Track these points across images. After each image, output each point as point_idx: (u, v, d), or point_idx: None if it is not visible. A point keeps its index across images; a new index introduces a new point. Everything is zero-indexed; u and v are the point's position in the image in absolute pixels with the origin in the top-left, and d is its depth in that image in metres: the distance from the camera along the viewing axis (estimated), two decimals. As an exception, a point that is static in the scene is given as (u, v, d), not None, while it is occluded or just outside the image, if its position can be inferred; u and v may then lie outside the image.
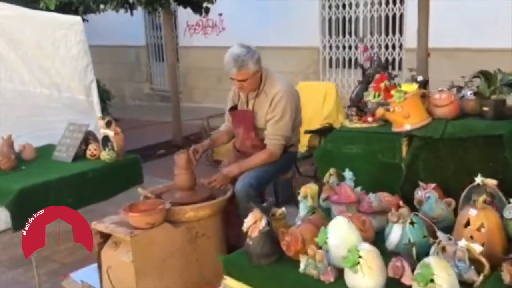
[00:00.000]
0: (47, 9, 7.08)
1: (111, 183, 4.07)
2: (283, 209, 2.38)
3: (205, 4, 7.51)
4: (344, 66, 8.49)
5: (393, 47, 7.91)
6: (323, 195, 2.70)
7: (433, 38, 7.07)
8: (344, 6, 8.29)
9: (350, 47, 8.37)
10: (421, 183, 2.48)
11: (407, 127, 2.56)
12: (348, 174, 2.53)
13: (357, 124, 2.76)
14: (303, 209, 2.39)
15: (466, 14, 7.01)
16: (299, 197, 2.43)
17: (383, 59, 8.14)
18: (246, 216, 3.28)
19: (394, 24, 7.86)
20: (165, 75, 11.15)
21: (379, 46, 8.06)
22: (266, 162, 3.36)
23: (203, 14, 7.59)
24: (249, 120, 3.44)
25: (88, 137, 4.35)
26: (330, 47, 8.58)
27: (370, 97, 2.76)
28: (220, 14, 9.56)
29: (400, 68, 7.89)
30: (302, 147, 4.55)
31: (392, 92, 2.56)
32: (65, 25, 5.34)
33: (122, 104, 10.95)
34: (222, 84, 10.10)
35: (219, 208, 3.19)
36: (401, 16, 7.77)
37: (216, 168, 4.44)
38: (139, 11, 8.01)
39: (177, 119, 7.69)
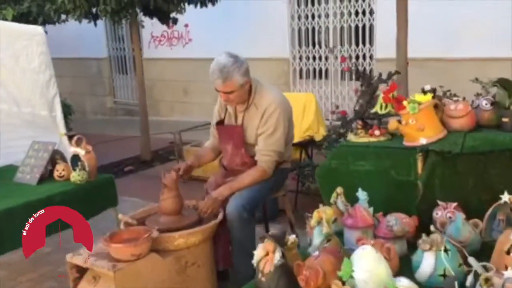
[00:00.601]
0: (4, 19, 6.59)
1: (83, 206, 3.64)
2: (294, 236, 2.07)
3: (172, 15, 7.18)
4: (314, 77, 8.29)
5: (364, 57, 7.77)
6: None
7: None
8: (313, 16, 8.10)
9: (320, 58, 8.17)
10: (440, 202, 2.23)
11: (423, 141, 2.31)
12: (362, 194, 2.25)
13: (364, 138, 2.50)
14: (317, 237, 2.09)
15: (436, 24, 6.94)
16: (311, 222, 2.13)
17: (353, 70, 8.07)
18: (242, 241, 3.00)
19: (364, 35, 7.72)
20: (128, 88, 10.72)
21: (350, 57, 7.90)
22: (258, 181, 3.05)
23: (171, 25, 7.25)
24: (239, 136, 3.13)
25: (55, 157, 3.95)
26: (300, 57, 8.37)
27: (376, 108, 2.50)
28: (187, 25, 9.22)
29: (357, 79, 7.73)
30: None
31: (405, 103, 2.31)
32: (26, 36, 4.89)
33: (83, 119, 10.42)
34: (189, 97, 9.76)
35: (210, 234, 2.86)
36: (371, 26, 7.64)
37: (193, 185, 4.12)
38: (100, 22, 7.60)
39: (146, 134, 7.29)
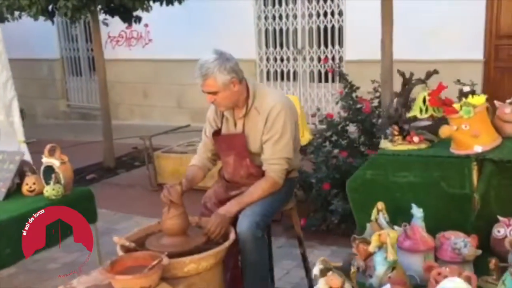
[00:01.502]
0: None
1: (60, 225, 3.18)
2: (356, 265, 1.72)
3: (136, 13, 6.68)
4: (282, 79, 7.98)
5: (333, 59, 7.52)
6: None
7: (374, 51, 6.84)
8: (280, 17, 7.79)
9: (288, 59, 7.88)
10: (501, 218, 1.94)
11: (478, 149, 2.02)
12: (417, 211, 1.92)
13: (402, 146, 2.18)
14: (380, 265, 1.74)
15: (408, 26, 6.76)
16: (371, 247, 1.78)
17: (322, 72, 7.83)
18: (256, 263, 2.62)
19: (333, 36, 7.49)
20: (83, 90, 10.04)
21: (319, 58, 7.65)
22: (269, 193, 2.67)
23: (137, 23, 6.75)
24: (241, 145, 2.73)
25: (23, 168, 3.43)
26: (268, 59, 8.04)
27: (415, 112, 2.19)
28: (146, 25, 8.64)
29: (340, 81, 7.51)
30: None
31: (456, 106, 2.02)
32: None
33: (34, 123, 9.64)
34: (149, 100, 9.23)
35: (222, 257, 2.46)
36: (340, 28, 7.41)
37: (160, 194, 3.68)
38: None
39: (109, 139, 6.73)
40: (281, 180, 2.69)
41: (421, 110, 2.15)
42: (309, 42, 7.69)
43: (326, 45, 7.56)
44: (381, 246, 1.76)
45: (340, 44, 7.44)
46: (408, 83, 2.23)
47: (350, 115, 4.76)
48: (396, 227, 1.99)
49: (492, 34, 6.61)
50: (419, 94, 2.19)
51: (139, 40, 9.04)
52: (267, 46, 8.00)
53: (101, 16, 6.61)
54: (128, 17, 6.67)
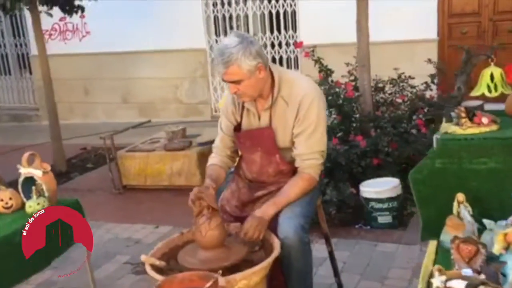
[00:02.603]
0: None
1: (49, 242, 2.72)
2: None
3: (78, 2, 6.07)
4: (235, 68, 7.64)
5: (287, 44, 7.30)
6: (452, 233, 1.85)
7: (330, 35, 6.69)
8: (229, 3, 7.43)
9: (240, 47, 7.54)
10: None
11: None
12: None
13: (473, 129, 1.97)
14: (512, 269, 1.50)
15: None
16: (495, 250, 1.53)
17: (277, 58, 7.57)
18: (303, 271, 2.32)
19: (285, 21, 7.25)
20: (13, 90, 9.16)
21: (272, 44, 7.39)
22: (306, 191, 2.37)
23: (79, 13, 6.14)
24: (269, 140, 2.39)
25: (-6, 182, 2.91)
26: (219, 47, 7.67)
27: (481, 90, 1.98)
28: (83, 16, 7.99)
29: (297, 66, 7.32)
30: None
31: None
32: None
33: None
34: (91, 97, 8.56)
35: (269, 269, 2.14)
36: (293, 12, 7.19)
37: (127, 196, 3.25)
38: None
39: (58, 141, 6.10)
40: (318, 176, 2.41)
41: (489, 88, 1.94)
42: (262, 28, 7.41)
43: (279, 31, 7.30)
44: (508, 247, 1.52)
45: (294, 29, 7.22)
46: (471, 60, 2.01)
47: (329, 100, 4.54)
48: (487, 221, 1.77)
49: (445, 13, 6.66)
50: (485, 70, 1.98)
51: (75, 33, 8.34)
52: (217, 34, 7.62)
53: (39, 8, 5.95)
54: (69, 8, 6.05)
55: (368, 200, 3.96)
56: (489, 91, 1.97)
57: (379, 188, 3.96)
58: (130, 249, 4.04)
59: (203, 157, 5.04)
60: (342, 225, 3.97)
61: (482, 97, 2.12)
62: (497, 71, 1.98)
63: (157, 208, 4.82)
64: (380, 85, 5.03)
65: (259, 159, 2.45)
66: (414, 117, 4.76)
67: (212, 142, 4.85)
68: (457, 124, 2.00)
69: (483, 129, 1.96)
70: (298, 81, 2.40)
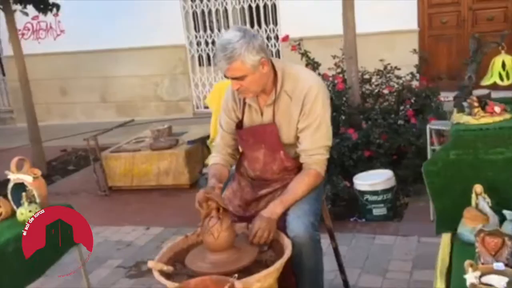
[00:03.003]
0: None
1: (43, 251, 2.60)
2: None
3: (52, 0, 5.88)
4: (216, 63, 7.53)
5: (268, 38, 7.22)
6: (470, 225, 1.81)
7: (311, 28, 6.63)
8: (208, -3, 7.33)
9: (220, 42, 7.43)
10: None
11: None
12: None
13: (486, 119, 1.92)
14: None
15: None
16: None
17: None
18: (315, 270, 2.25)
19: (266, 15, 7.17)
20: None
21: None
22: (312, 188, 2.30)
23: (54, 12, 5.94)
24: (273, 137, 2.31)
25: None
26: (198, 43, 7.54)
27: (493, 79, 1.93)
28: (57, 15, 7.76)
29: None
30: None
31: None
32: None
33: None
34: (69, 97, 8.35)
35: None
36: (274, 6, 7.11)
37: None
38: None
39: (38, 143, 5.91)
40: (324, 172, 2.34)
41: (500, 76, 1.90)
42: (242, 22, 7.31)
43: (259, 25, 7.22)
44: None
45: (275, 22, 7.14)
46: (481, 48, 1.96)
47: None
48: (508, 212, 1.73)
49: (425, 3, 6.67)
50: (496, 58, 1.94)
51: (49, 31, 8.11)
52: (196, 29, 7.51)
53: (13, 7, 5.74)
54: (43, 6, 5.85)
55: (363, 192, 3.93)
56: (501, 79, 1.93)
57: (373, 180, 3.93)
58: (121, 252, 3.92)
59: (191, 156, 4.95)
60: (337, 219, 3.91)
61: (490, 86, 2.07)
62: (508, 59, 1.94)
63: (146, 209, 4.70)
64: (367, 76, 5.00)
65: (263, 157, 2.36)
66: (402, 107, 4.75)
67: (201, 140, 4.83)
68: (470, 114, 1.96)
69: (497, 118, 1.92)
70: (302, 74, 2.32)
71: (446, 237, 2.06)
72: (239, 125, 2.41)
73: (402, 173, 4.25)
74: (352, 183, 4.01)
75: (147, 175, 5.01)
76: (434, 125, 3.74)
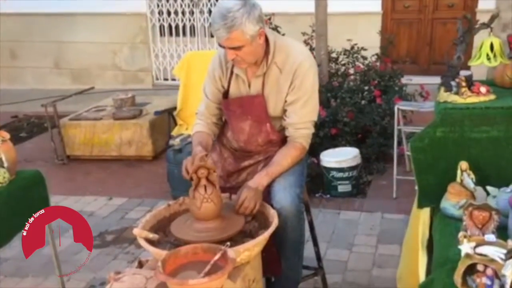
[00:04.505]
0: None
1: (12, 217, 2.50)
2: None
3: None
4: (178, 34, 7.37)
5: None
6: (453, 200, 1.88)
7: (276, 4, 6.58)
8: (172, -35, 7.13)
9: (183, 13, 7.27)
10: None
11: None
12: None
13: (472, 98, 1.98)
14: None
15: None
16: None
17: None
18: (297, 241, 2.28)
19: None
20: None
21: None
22: (297, 161, 2.31)
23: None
24: (261, 109, 2.29)
25: None
26: (160, 12, 7.34)
27: (480, 60, 2.00)
28: (8, -28, 7.37)
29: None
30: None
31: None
32: None
33: None
34: (18, 61, 7.97)
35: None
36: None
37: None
38: None
39: (-12, 108, 5.62)
40: (308, 146, 2.35)
41: (488, 57, 1.96)
42: (207, -7, 7.17)
43: (224, -3, 7.10)
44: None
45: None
46: (471, 29, 2.02)
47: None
48: (491, 188, 1.81)
49: (389, -14, 6.76)
50: (485, 40, 2.00)
51: (-1, -10, 7.64)
52: (159, -2, 7.29)
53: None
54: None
55: (329, 169, 3.99)
56: (489, 60, 2.00)
57: (339, 158, 4.00)
58: (84, 222, 3.82)
59: (155, 127, 4.86)
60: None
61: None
62: (496, 41, 2.01)
63: (107, 180, 4.59)
64: (334, 55, 5.04)
65: (248, 128, 2.35)
66: (366, 88, 4.84)
67: (167, 110, 4.73)
68: (457, 93, 2.02)
69: (482, 98, 1.99)
70: (294, 47, 2.30)
71: (425, 212, 2.13)
72: (225, 94, 2.38)
73: (366, 151, 4.35)
74: (318, 159, 4.07)
75: (108, 145, 4.88)
76: (402, 105, 3.83)
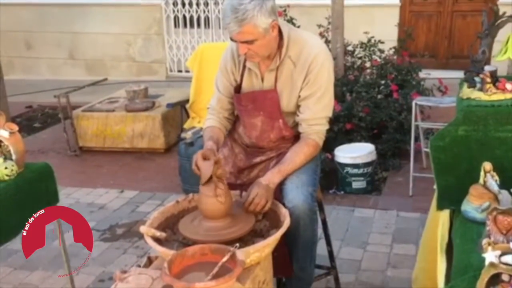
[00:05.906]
0: None
1: (19, 210, 2.46)
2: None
3: None
4: (192, 26, 7.30)
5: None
6: (476, 202, 1.79)
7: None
8: (187, -45, 7.04)
9: (198, 4, 7.19)
10: None
11: None
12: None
13: (498, 95, 1.88)
14: None
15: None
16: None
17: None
18: (310, 241, 2.20)
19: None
20: None
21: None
22: (311, 158, 2.22)
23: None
24: (274, 104, 2.20)
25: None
26: (175, 3, 7.27)
27: (508, 54, 1.89)
28: (24, -38, 7.36)
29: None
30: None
31: None
32: None
33: None
34: (33, 51, 7.96)
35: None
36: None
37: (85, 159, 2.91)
38: None
39: (3, 98, 5.61)
40: (322, 143, 2.26)
41: (516, 52, 1.85)
42: (221, -15, 7.08)
43: (240, -12, 6.99)
44: None
45: (255, -13, 6.93)
46: (497, 21, 1.91)
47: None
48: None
49: (407, -22, 6.61)
50: (511, 34, 1.89)
51: (14, -20, 7.64)
52: (174, -12, 7.22)
53: None
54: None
55: (343, 165, 3.90)
56: (517, 54, 1.89)
57: (354, 153, 3.90)
58: (94, 215, 3.79)
59: (167, 119, 4.81)
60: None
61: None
62: (524, 36, 1.91)
63: (119, 172, 4.55)
64: (350, 48, 4.93)
65: (261, 124, 2.26)
66: (383, 82, 4.72)
67: (180, 103, 4.67)
68: (481, 89, 1.91)
69: (509, 95, 1.88)
70: (309, 40, 2.20)
71: (445, 214, 2.04)
72: (237, 89, 2.30)
73: (382, 147, 4.25)
74: (332, 155, 3.98)
75: (120, 137, 4.84)
76: (420, 101, 3.72)
